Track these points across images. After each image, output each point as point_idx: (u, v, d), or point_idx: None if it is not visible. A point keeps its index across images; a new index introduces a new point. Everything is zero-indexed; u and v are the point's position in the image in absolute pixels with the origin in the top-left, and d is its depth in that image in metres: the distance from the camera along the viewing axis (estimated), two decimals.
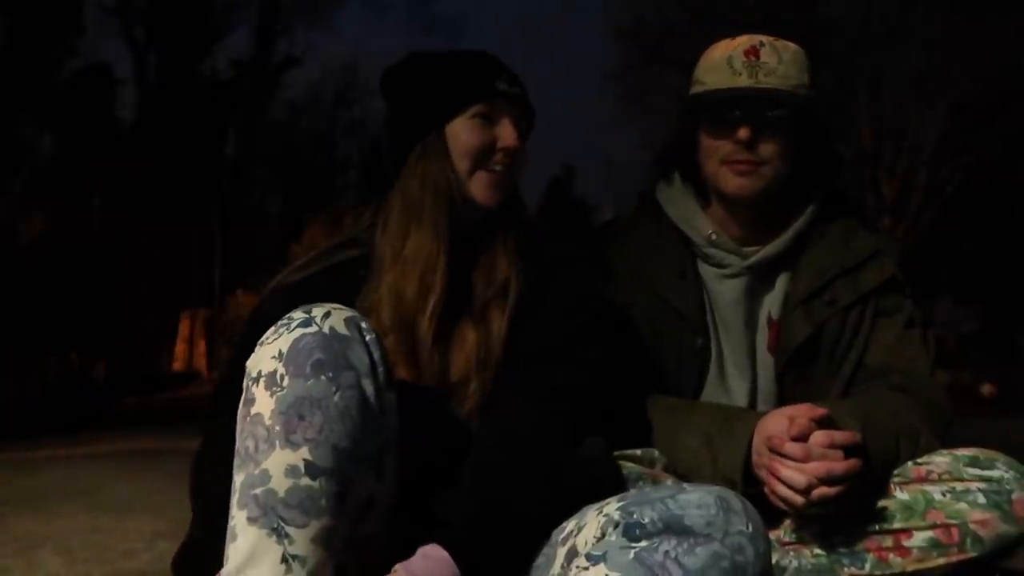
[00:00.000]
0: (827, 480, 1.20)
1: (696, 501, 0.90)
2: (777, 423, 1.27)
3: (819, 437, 1.22)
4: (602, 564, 0.88)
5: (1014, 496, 1.24)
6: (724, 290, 1.47)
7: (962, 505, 1.25)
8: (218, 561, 0.97)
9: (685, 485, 0.95)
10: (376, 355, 1.01)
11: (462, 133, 1.22)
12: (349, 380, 0.97)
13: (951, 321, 16.73)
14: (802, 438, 1.22)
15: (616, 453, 1.23)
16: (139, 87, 21.65)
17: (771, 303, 1.47)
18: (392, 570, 0.96)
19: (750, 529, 0.89)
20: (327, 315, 0.99)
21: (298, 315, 1.00)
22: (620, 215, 1.70)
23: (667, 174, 1.54)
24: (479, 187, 1.23)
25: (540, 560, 1.01)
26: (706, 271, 1.48)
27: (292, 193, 24.32)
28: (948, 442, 1.35)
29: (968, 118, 13.92)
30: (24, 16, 17.72)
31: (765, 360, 1.46)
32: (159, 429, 6.35)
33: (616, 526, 0.90)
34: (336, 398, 0.96)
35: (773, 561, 1.27)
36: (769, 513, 1.28)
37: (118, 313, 12.35)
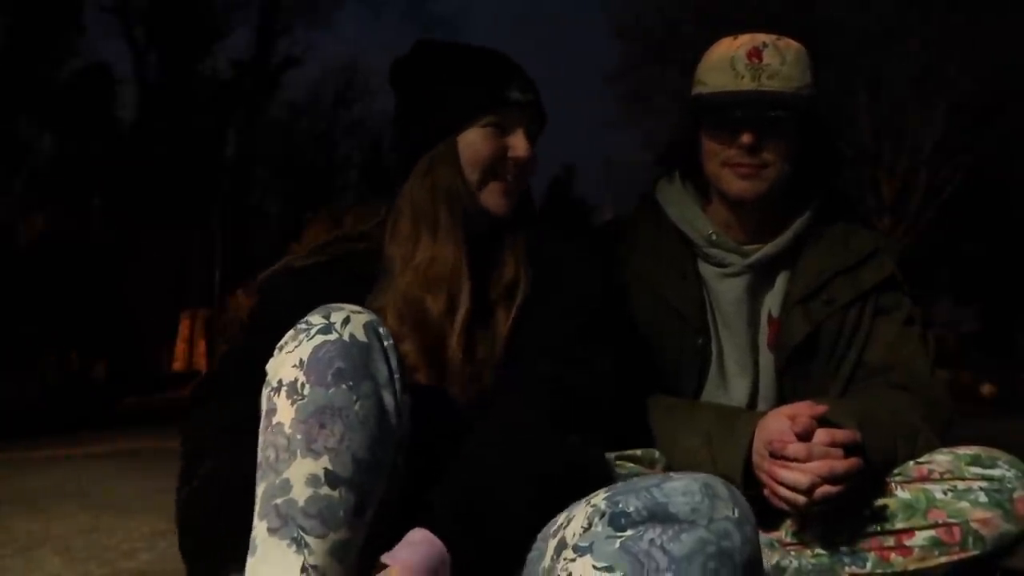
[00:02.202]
0: (829, 479, 1.20)
1: (681, 488, 0.89)
2: (777, 423, 1.27)
3: (821, 435, 1.22)
4: (588, 555, 0.88)
5: (1016, 495, 1.24)
6: (725, 289, 1.47)
7: (964, 504, 1.25)
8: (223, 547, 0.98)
9: (672, 474, 0.94)
10: (393, 362, 1.00)
11: (473, 143, 1.20)
12: (368, 389, 0.97)
13: (951, 321, 16.74)
14: (805, 436, 1.22)
15: (616, 453, 1.23)
16: (139, 87, 21.66)
17: (771, 301, 1.47)
18: (377, 561, 0.95)
19: (736, 515, 0.89)
20: (347, 320, 0.98)
21: (317, 320, 0.99)
22: (620, 215, 1.70)
23: (669, 173, 1.54)
24: (491, 197, 1.21)
25: (533, 554, 1.00)
26: (706, 270, 1.48)
27: (292, 193, 24.31)
28: (948, 442, 1.35)
29: (967, 118, 13.92)
30: (24, 16, 17.71)
31: (766, 358, 1.46)
32: (159, 429, 6.33)
33: (602, 516, 0.90)
34: (356, 407, 0.95)
35: (773, 561, 1.28)
36: (769, 513, 1.28)
37: (118, 313, 12.33)
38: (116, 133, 20.35)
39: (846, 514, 1.28)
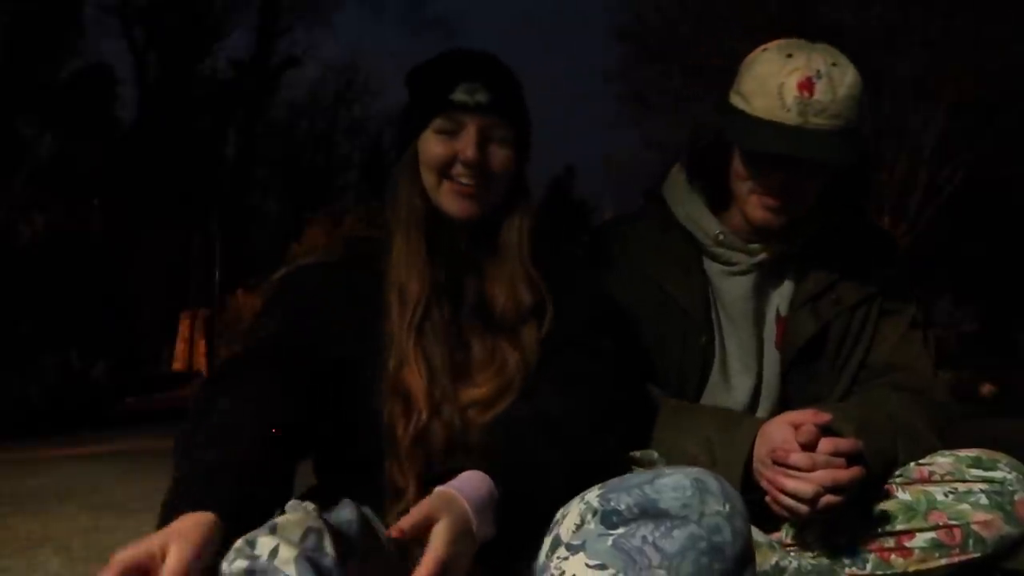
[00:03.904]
0: (832, 488, 1.20)
1: (672, 484, 0.90)
2: (781, 431, 1.25)
3: (824, 445, 1.22)
4: (582, 553, 0.89)
5: (1016, 497, 1.24)
6: (731, 287, 1.46)
7: (964, 506, 1.25)
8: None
9: (664, 469, 0.95)
10: None
11: (426, 148, 1.22)
12: None
13: (951, 321, 16.72)
14: (809, 445, 1.22)
15: None
16: (139, 87, 21.67)
17: (779, 300, 1.46)
18: (430, 489, 0.95)
19: (727, 509, 0.89)
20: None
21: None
22: (622, 214, 1.68)
23: (690, 175, 1.49)
24: (445, 199, 1.23)
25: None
26: (712, 268, 1.47)
27: (292, 193, 24.32)
28: (947, 441, 1.35)
29: (968, 118, 13.90)
30: (24, 16, 17.71)
31: (771, 356, 1.45)
32: (159, 429, 6.34)
33: (595, 514, 0.91)
34: None
35: (773, 561, 1.27)
36: (769, 515, 1.28)
37: (118, 313, 12.33)
38: (116, 133, 20.34)
39: (846, 516, 1.28)
